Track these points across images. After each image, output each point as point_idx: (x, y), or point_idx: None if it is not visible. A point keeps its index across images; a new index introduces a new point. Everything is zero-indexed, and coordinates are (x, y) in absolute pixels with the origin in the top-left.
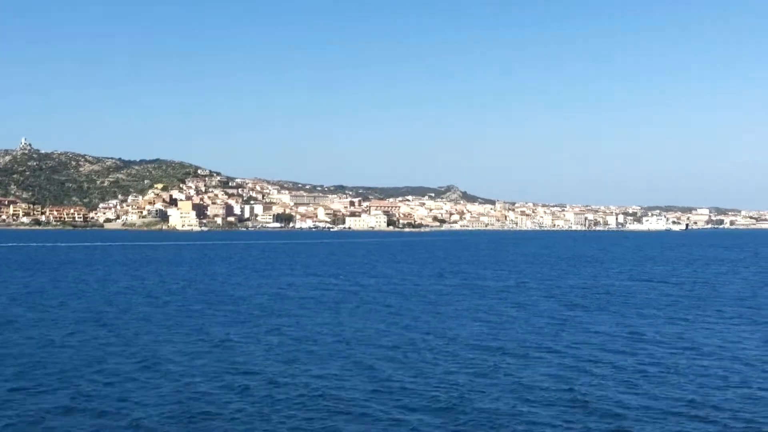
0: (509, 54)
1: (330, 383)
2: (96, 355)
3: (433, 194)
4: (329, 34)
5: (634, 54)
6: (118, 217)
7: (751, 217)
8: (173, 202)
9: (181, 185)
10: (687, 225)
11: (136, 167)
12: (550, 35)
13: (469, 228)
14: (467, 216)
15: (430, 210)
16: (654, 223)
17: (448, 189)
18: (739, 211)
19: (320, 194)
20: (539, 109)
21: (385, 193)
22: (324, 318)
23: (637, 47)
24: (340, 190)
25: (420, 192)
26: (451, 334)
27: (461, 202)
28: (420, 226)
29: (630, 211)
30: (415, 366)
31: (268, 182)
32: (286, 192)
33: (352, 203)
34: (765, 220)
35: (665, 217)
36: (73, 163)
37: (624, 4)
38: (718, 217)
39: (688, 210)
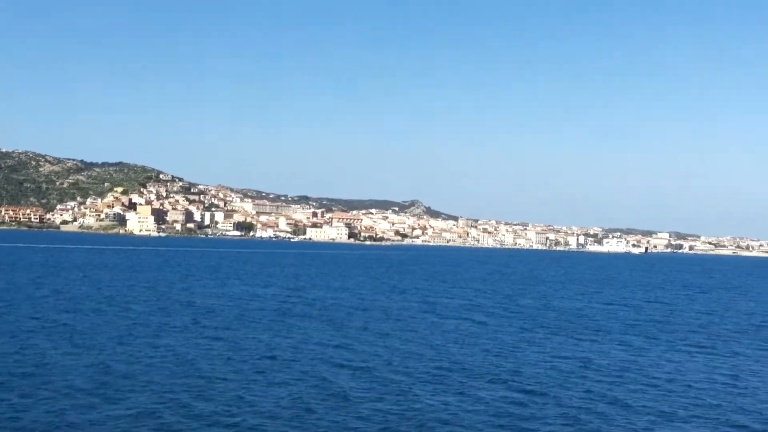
0: (475, 71)
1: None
2: None
3: (397, 208)
4: (297, 43)
5: (600, 75)
6: (75, 220)
7: (709, 243)
8: (132, 206)
9: (141, 189)
10: (646, 248)
11: (98, 169)
12: (514, 52)
13: (431, 243)
14: (429, 231)
15: (393, 224)
16: (614, 246)
17: (413, 204)
18: (699, 237)
19: (283, 204)
20: (504, 126)
21: (349, 205)
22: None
23: (604, 69)
24: (303, 200)
25: (384, 206)
26: (375, 356)
27: (425, 217)
28: (381, 239)
29: (591, 232)
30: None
31: (232, 190)
32: (249, 200)
33: (315, 214)
34: (723, 246)
35: (625, 239)
36: (33, 163)
37: (585, 23)
38: (678, 242)
39: (649, 234)
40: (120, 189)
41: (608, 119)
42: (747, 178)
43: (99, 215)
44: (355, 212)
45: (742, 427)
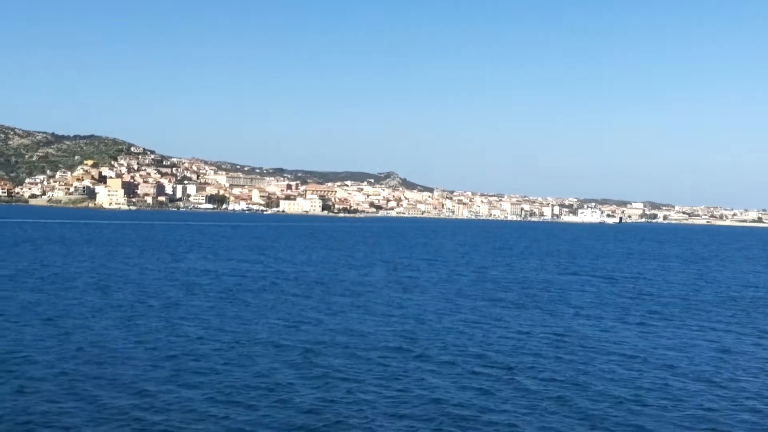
0: (450, 43)
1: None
2: None
3: (372, 180)
4: (271, 18)
5: (573, 45)
6: (44, 193)
7: (683, 213)
8: (103, 179)
9: (112, 162)
10: (621, 218)
11: (68, 142)
12: (487, 26)
13: (405, 215)
14: (404, 203)
15: (368, 196)
16: (588, 216)
17: (388, 175)
18: (673, 207)
19: (258, 177)
20: (479, 98)
21: (324, 177)
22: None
23: (575, 38)
24: (279, 173)
25: (360, 177)
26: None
27: (400, 188)
28: (355, 211)
29: (566, 202)
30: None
31: (206, 162)
32: (223, 173)
33: (289, 186)
34: (697, 215)
35: (600, 209)
36: (2, 135)
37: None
38: (652, 212)
39: (624, 204)
40: (90, 162)
41: (582, 90)
42: (720, 148)
43: (68, 189)
44: (330, 184)
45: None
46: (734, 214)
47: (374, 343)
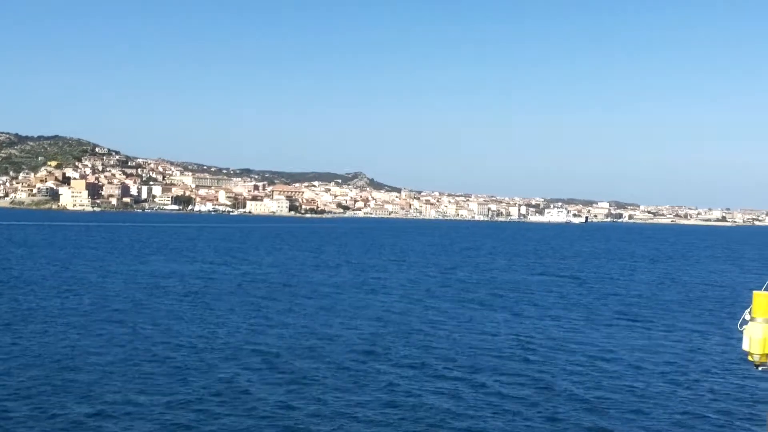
0: (417, 43)
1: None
2: None
3: (340, 180)
4: (238, 17)
5: (537, 45)
6: (6, 195)
7: (648, 212)
8: (66, 180)
9: (77, 163)
10: (587, 218)
11: (32, 143)
12: (449, 25)
13: (373, 215)
14: (372, 203)
15: (335, 196)
16: (555, 216)
17: (356, 176)
18: (638, 206)
19: (225, 177)
20: (447, 98)
21: (292, 178)
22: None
23: (537, 39)
24: (246, 173)
25: (328, 178)
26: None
27: (367, 189)
28: (323, 212)
29: (533, 202)
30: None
31: (172, 163)
32: (190, 174)
33: (256, 187)
34: (662, 215)
35: (566, 209)
36: None
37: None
38: (618, 211)
39: (589, 203)
40: (54, 163)
41: (547, 91)
42: (684, 148)
43: (32, 190)
44: (297, 185)
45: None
46: (698, 213)
47: (339, 347)
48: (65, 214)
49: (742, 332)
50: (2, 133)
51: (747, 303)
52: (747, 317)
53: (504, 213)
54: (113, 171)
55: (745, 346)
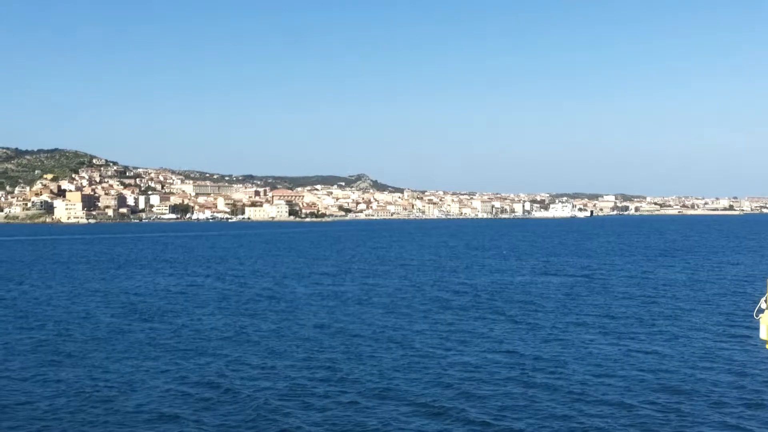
0: (417, 42)
1: None
2: None
3: (343, 183)
4: (237, 23)
5: (540, 39)
6: (1, 210)
7: (655, 203)
8: (62, 193)
9: (73, 176)
10: (592, 212)
11: (29, 157)
12: (451, 24)
13: (375, 217)
14: (374, 205)
15: (337, 199)
16: (559, 210)
17: (359, 178)
18: (644, 198)
19: (226, 184)
20: (452, 96)
21: (295, 182)
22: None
23: (542, 31)
24: (248, 180)
25: (330, 181)
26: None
27: (371, 191)
28: (323, 215)
29: (538, 198)
30: None
31: (173, 172)
32: (190, 182)
33: (257, 193)
34: (669, 205)
35: (571, 204)
36: None
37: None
38: (624, 204)
39: (595, 197)
40: (50, 176)
41: (552, 86)
42: (690, 137)
43: (26, 204)
44: (299, 189)
45: None
46: (705, 203)
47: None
48: (57, 227)
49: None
50: (0, 148)
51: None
52: (763, 306)
53: (508, 210)
54: (111, 182)
55: (763, 335)
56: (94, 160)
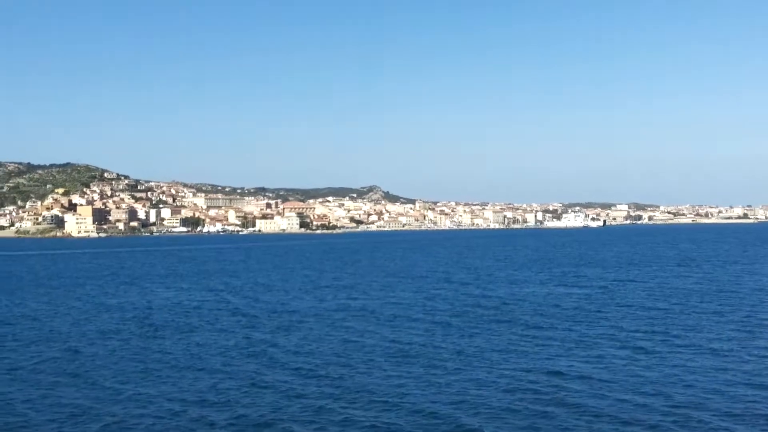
0: (429, 53)
1: None
2: None
3: (355, 195)
4: (245, 35)
5: (551, 49)
6: (12, 224)
7: (668, 212)
8: (72, 207)
9: (84, 190)
10: (605, 221)
11: (41, 172)
12: (464, 34)
13: (386, 229)
14: (385, 216)
15: (349, 211)
16: (572, 220)
17: (371, 189)
18: (658, 207)
19: (238, 197)
20: (463, 107)
21: (306, 194)
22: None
23: (553, 42)
24: (260, 192)
25: (342, 193)
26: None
27: (382, 202)
28: (335, 227)
29: (551, 208)
30: None
31: (185, 185)
32: (202, 195)
33: (268, 205)
34: (682, 214)
35: (584, 213)
36: None
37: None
38: (637, 213)
39: (608, 206)
40: (61, 191)
41: (562, 95)
42: (704, 146)
43: (37, 219)
44: (311, 201)
45: None
46: (719, 212)
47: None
48: (67, 242)
49: None
50: (12, 162)
51: None
52: None
53: (520, 220)
54: (122, 195)
55: None
56: (105, 174)
